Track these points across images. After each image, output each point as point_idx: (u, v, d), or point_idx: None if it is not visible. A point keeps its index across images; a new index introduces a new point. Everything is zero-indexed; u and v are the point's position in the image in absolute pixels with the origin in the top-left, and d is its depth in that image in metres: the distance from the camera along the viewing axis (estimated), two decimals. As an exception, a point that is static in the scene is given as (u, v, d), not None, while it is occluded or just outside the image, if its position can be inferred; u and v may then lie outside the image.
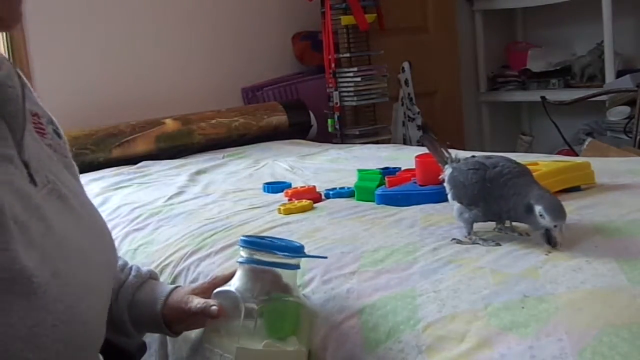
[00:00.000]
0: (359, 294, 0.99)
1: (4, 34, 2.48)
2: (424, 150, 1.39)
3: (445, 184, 1.16)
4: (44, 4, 2.51)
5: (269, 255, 0.93)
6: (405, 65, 3.10)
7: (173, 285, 1.02)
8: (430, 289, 0.95)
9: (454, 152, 1.21)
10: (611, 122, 3.00)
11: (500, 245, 1.06)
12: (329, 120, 2.92)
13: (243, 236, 0.96)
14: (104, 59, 2.75)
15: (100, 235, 0.87)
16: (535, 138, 3.73)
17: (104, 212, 1.66)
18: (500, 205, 1.06)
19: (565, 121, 3.19)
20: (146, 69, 2.85)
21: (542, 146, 3.50)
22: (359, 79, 2.86)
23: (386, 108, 3.06)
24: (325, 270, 1.06)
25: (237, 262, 0.95)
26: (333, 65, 2.89)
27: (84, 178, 0.95)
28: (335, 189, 1.61)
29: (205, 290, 0.97)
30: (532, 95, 3.45)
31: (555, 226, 0.99)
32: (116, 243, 1.42)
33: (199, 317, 0.94)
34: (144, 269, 1.04)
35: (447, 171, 1.16)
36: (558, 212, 0.99)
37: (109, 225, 1.00)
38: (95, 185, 2.03)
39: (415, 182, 1.48)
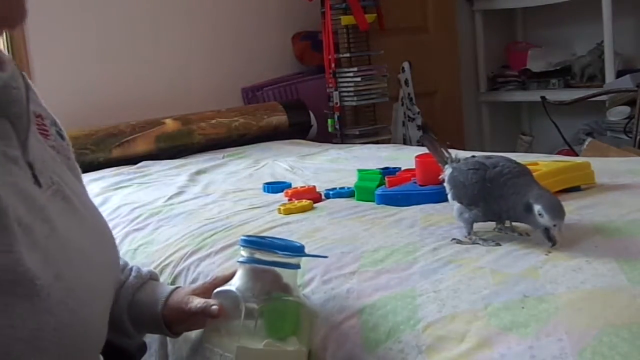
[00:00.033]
0: (359, 294, 0.99)
1: (5, 33, 2.47)
2: (424, 150, 1.39)
3: (445, 184, 1.16)
4: (44, 4, 2.51)
5: (270, 254, 0.93)
6: (405, 65, 3.10)
7: (173, 286, 1.02)
8: (430, 289, 0.95)
9: (454, 152, 1.21)
10: (611, 122, 3.00)
11: (500, 245, 1.06)
12: (329, 120, 2.92)
13: (243, 236, 0.96)
14: (104, 58, 2.75)
15: (103, 237, 0.87)
16: (535, 138, 3.73)
17: (104, 212, 1.66)
18: (500, 205, 1.06)
19: (565, 121, 3.19)
20: (146, 69, 2.85)
21: (542, 146, 3.50)
22: (359, 79, 2.86)
23: (386, 108, 3.06)
24: (325, 270, 1.06)
25: (238, 261, 0.95)
26: (333, 65, 2.89)
27: (84, 178, 0.94)
28: (335, 189, 1.61)
29: (206, 291, 0.97)
30: (532, 95, 3.45)
31: (554, 225, 0.99)
32: (116, 243, 1.42)
33: (199, 318, 0.94)
34: (144, 269, 1.03)
35: (447, 171, 1.16)
36: (557, 211, 0.99)
37: (109, 226, 1.00)
38: (95, 185, 2.03)
39: (415, 182, 1.48)
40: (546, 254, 0.98)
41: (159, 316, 0.97)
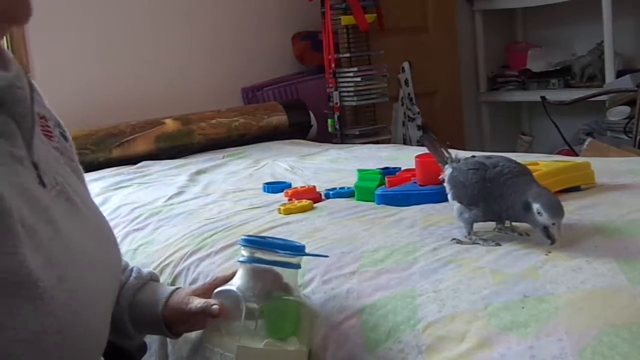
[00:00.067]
0: (359, 294, 0.99)
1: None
2: (424, 150, 1.39)
3: (445, 184, 1.16)
4: (44, 3, 2.51)
5: (271, 253, 0.93)
6: (405, 65, 3.10)
7: (174, 287, 1.02)
8: (430, 289, 0.95)
9: (454, 152, 1.22)
10: (611, 122, 3.00)
11: (500, 245, 1.06)
12: (329, 120, 2.92)
13: (244, 235, 0.96)
14: (104, 58, 2.75)
15: (106, 239, 0.87)
16: (535, 138, 3.73)
17: (104, 212, 1.65)
18: (500, 205, 1.06)
19: (565, 121, 3.19)
20: (146, 69, 2.85)
21: (542, 146, 3.50)
22: (359, 79, 2.86)
23: (386, 108, 3.06)
24: (325, 270, 1.06)
25: (238, 261, 0.95)
26: (333, 65, 2.89)
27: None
28: (335, 189, 1.61)
29: (206, 291, 0.97)
30: (532, 95, 3.45)
31: (553, 224, 0.99)
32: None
33: (199, 318, 0.94)
34: (145, 270, 1.03)
35: (447, 171, 1.16)
36: (556, 210, 0.99)
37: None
38: (95, 185, 2.03)
39: (415, 182, 1.48)
40: (546, 254, 0.98)
41: (160, 317, 0.97)
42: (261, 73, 3.11)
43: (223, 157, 2.44)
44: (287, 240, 1.01)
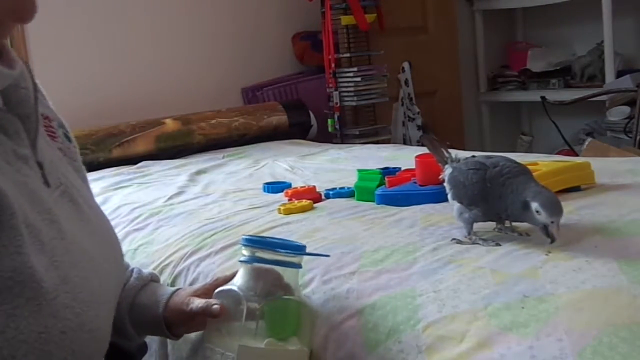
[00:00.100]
0: (359, 294, 0.99)
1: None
2: (424, 150, 1.39)
3: (445, 184, 1.16)
4: (43, 3, 2.50)
5: (272, 253, 0.93)
6: (405, 65, 3.10)
7: (174, 288, 1.02)
8: (430, 289, 0.95)
9: (454, 152, 1.22)
10: (611, 122, 3.00)
11: (500, 245, 1.06)
12: (329, 120, 2.92)
13: (245, 235, 0.96)
14: (104, 59, 2.75)
15: (108, 240, 0.86)
16: (535, 138, 3.73)
17: (104, 212, 1.66)
18: (499, 205, 1.06)
19: (565, 121, 3.19)
20: (146, 69, 2.85)
21: (542, 146, 3.51)
22: (359, 79, 2.86)
23: (386, 108, 3.06)
24: (325, 270, 1.06)
25: (239, 261, 0.95)
26: (333, 65, 2.89)
27: (84, 178, 0.94)
28: (335, 189, 1.61)
29: (207, 292, 0.96)
30: (532, 95, 3.45)
31: (552, 222, 0.99)
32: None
33: (200, 319, 0.94)
34: (145, 271, 1.03)
35: (447, 171, 1.16)
36: (554, 208, 0.99)
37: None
38: (95, 185, 2.02)
39: (415, 182, 1.48)
40: (546, 254, 0.99)
41: (160, 318, 0.96)
42: (261, 73, 3.11)
43: (223, 157, 2.44)
44: (287, 240, 1.01)
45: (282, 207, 1.48)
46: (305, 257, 0.98)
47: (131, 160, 2.44)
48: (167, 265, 1.32)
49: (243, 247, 0.94)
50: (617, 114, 2.97)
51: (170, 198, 1.77)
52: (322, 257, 1.06)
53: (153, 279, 1.03)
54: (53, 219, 0.71)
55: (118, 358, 0.98)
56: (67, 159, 0.85)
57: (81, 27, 2.70)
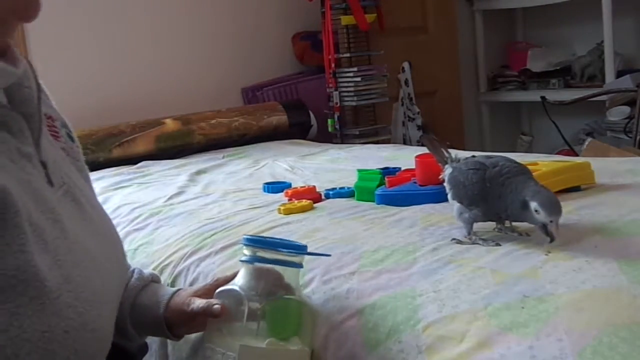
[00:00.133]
0: (359, 294, 0.99)
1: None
2: (424, 150, 1.39)
3: (445, 184, 1.16)
4: (44, 3, 2.50)
5: (273, 252, 0.93)
6: (405, 65, 3.10)
7: (175, 288, 1.02)
8: (430, 289, 0.95)
9: (454, 152, 1.22)
10: (611, 122, 3.00)
11: (500, 245, 1.06)
12: (329, 120, 2.92)
13: (246, 235, 0.96)
14: (104, 59, 2.75)
15: (111, 240, 0.86)
16: (535, 138, 3.73)
17: (104, 212, 1.67)
18: (499, 205, 1.06)
19: (565, 121, 3.19)
20: (146, 69, 2.85)
21: (542, 146, 3.51)
22: (359, 79, 2.86)
23: (386, 108, 3.06)
24: (325, 270, 1.06)
25: (240, 260, 0.95)
26: (333, 65, 2.89)
27: (85, 178, 0.94)
28: (335, 189, 1.61)
29: (207, 292, 0.96)
30: (532, 95, 3.45)
31: (551, 221, 0.99)
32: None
33: (201, 319, 0.93)
34: (146, 271, 1.03)
35: (447, 171, 1.16)
36: (553, 208, 0.99)
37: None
38: (95, 185, 1.99)
39: (415, 182, 1.48)
40: (546, 254, 0.99)
41: (161, 319, 0.96)
42: (261, 73, 3.11)
43: (223, 157, 2.44)
44: (288, 240, 1.01)
45: (282, 207, 1.48)
46: (305, 257, 0.98)
47: (131, 160, 2.44)
48: (167, 265, 1.32)
49: (244, 247, 0.94)
50: (617, 114, 2.97)
51: (170, 198, 1.77)
52: (322, 257, 1.06)
53: (154, 279, 1.03)
54: (56, 218, 0.71)
55: (119, 358, 0.98)
56: (70, 158, 0.85)
57: (81, 27, 2.70)
